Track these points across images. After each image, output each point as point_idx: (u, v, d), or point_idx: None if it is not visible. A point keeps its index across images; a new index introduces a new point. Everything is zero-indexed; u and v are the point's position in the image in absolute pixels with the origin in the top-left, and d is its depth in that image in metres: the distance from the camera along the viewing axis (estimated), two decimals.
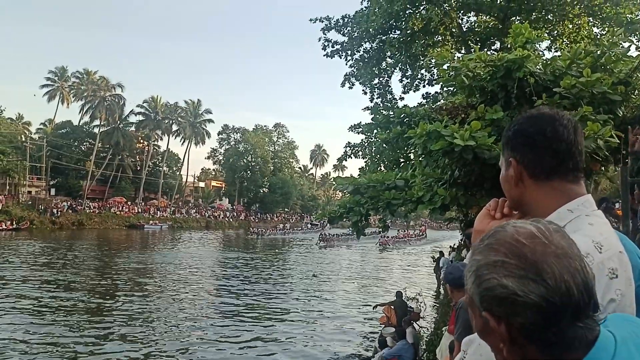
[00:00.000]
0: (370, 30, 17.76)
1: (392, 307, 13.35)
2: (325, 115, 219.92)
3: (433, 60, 15.50)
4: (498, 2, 16.68)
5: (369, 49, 19.03)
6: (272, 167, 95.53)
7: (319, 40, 19.52)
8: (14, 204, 56.98)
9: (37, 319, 15.45)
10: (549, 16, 17.08)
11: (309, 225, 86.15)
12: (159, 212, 76.71)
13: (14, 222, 52.89)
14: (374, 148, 15.07)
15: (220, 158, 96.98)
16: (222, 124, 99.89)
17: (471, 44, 15.92)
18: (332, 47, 19.44)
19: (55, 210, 59.82)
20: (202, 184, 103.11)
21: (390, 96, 19.71)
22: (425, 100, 19.00)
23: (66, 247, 38.59)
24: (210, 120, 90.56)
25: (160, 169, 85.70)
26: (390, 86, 19.86)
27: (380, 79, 19.70)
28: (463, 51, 17.86)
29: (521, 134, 1.38)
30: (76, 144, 77.82)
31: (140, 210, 74.49)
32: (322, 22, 19.26)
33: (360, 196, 7.58)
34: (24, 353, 12.18)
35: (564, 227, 1.25)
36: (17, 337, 13.34)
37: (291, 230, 77.50)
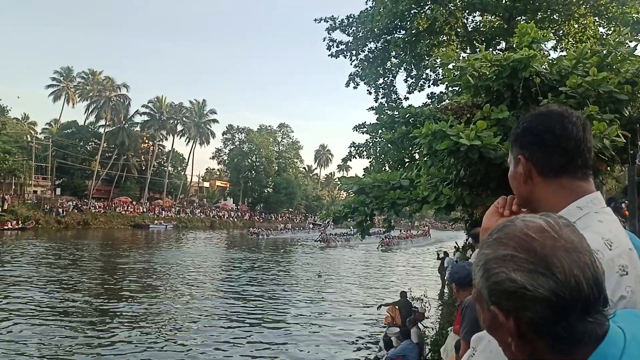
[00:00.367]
0: (375, 30, 17.75)
1: (397, 307, 13.35)
2: (329, 115, 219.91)
3: (438, 60, 15.45)
4: (503, 1, 16.65)
5: (373, 48, 19.03)
6: (276, 167, 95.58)
7: (324, 40, 19.53)
8: (19, 204, 57.21)
9: (42, 318, 15.50)
10: (555, 16, 17.04)
11: (311, 225, 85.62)
12: (163, 211, 76.87)
13: (20, 222, 53.08)
14: (378, 148, 15.08)
15: (225, 158, 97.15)
16: (227, 124, 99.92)
17: (476, 44, 15.91)
18: (337, 47, 19.44)
19: (60, 210, 60.03)
20: (206, 184, 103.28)
21: (395, 96, 19.70)
22: (430, 100, 18.97)
23: (72, 246, 38.72)
24: (214, 121, 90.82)
25: (165, 168, 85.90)
26: (395, 86, 19.87)
27: (385, 78, 19.70)
28: (468, 51, 17.83)
29: (530, 131, 1.37)
30: (82, 143, 78.10)
31: (145, 210, 74.68)
32: (327, 22, 19.26)
33: (365, 196, 7.59)
34: (30, 352, 12.23)
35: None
36: (23, 337, 13.40)
37: (292, 230, 76.66)
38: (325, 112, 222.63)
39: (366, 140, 17.62)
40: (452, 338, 5.07)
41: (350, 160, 18.61)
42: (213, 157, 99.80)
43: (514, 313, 0.88)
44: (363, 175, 10.53)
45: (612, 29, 16.49)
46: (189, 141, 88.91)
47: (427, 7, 17.35)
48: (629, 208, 4.79)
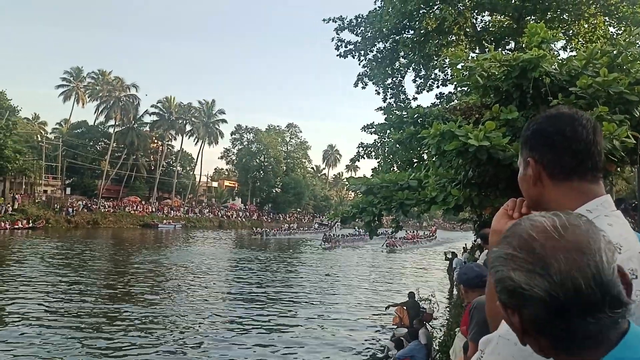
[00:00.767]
0: (384, 30, 17.73)
1: (405, 307, 13.34)
2: (338, 116, 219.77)
3: (447, 60, 15.43)
4: (513, 1, 16.58)
5: (382, 49, 19.01)
6: (284, 167, 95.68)
7: (332, 40, 19.53)
8: (30, 203, 57.64)
9: (51, 317, 15.60)
10: (565, 16, 16.95)
11: (316, 226, 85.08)
12: (172, 211, 77.15)
13: (30, 221, 53.49)
14: (387, 148, 15.06)
15: (233, 158, 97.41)
16: (235, 124, 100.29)
17: (485, 44, 15.84)
18: (346, 47, 19.44)
19: (70, 209, 60.42)
20: (215, 184, 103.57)
21: (404, 96, 19.67)
22: (438, 101, 18.93)
23: (81, 246, 38.95)
24: (223, 121, 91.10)
25: (174, 168, 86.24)
26: (403, 86, 19.84)
27: (394, 79, 19.67)
28: (477, 51, 17.77)
29: (540, 133, 1.37)
30: (91, 143, 78.59)
31: (154, 209, 74.99)
32: (336, 22, 19.26)
33: (373, 196, 7.58)
34: (39, 350, 12.31)
35: None
36: (32, 335, 13.49)
37: (298, 231, 75.77)
38: (334, 113, 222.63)
39: (374, 140, 17.62)
40: (460, 339, 5.06)
41: (359, 161, 18.62)
42: (221, 157, 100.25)
43: (518, 310, 0.91)
44: (371, 175, 10.52)
45: (622, 28, 16.36)
46: (197, 141, 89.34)
47: (436, 7, 17.32)
48: (637, 208, 4.77)
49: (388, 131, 11.54)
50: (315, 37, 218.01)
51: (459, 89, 14.70)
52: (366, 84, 19.74)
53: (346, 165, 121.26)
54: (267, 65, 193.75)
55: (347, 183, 10.90)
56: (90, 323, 15.09)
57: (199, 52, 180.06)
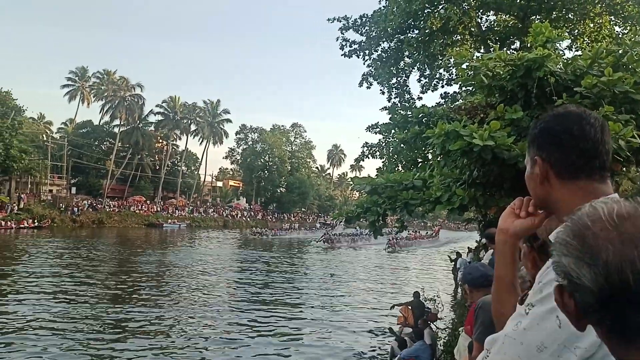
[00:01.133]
0: (389, 29, 17.72)
1: (410, 307, 13.32)
2: (343, 116, 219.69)
3: (452, 60, 15.40)
4: (518, 1, 16.55)
5: (387, 48, 19.00)
6: (289, 167, 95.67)
7: (337, 39, 19.53)
8: (35, 203, 57.83)
9: (58, 317, 15.66)
10: (570, 15, 16.90)
11: (318, 225, 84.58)
12: (177, 211, 77.26)
13: (36, 220, 53.68)
14: (391, 148, 15.03)
15: (238, 158, 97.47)
16: (240, 124, 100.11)
17: (490, 43, 15.83)
18: (350, 46, 19.43)
19: (75, 209, 60.59)
20: (219, 184, 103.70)
21: (408, 96, 19.66)
22: (443, 100, 18.90)
23: (87, 245, 39.07)
24: (228, 120, 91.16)
25: (179, 168, 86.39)
26: (408, 86, 19.83)
27: (398, 78, 19.66)
28: (482, 50, 17.75)
29: (547, 132, 1.37)
30: (96, 143, 78.83)
31: (159, 209, 75.12)
32: (340, 21, 19.27)
33: (378, 196, 7.58)
34: (44, 350, 12.37)
35: None
36: (37, 335, 13.55)
37: (299, 231, 75.04)
38: (339, 112, 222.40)
39: (379, 140, 17.60)
40: (464, 338, 5.05)
41: (363, 161, 18.64)
42: (226, 157, 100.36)
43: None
44: (376, 175, 10.53)
45: (628, 28, 16.33)
46: (202, 141, 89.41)
47: (440, 7, 17.30)
48: None
49: (393, 131, 11.53)
50: (320, 37, 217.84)
51: (463, 88, 14.67)
52: (371, 84, 19.74)
53: (351, 165, 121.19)
54: (272, 65, 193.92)
55: (351, 183, 10.90)
56: (96, 322, 15.14)
57: (204, 52, 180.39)
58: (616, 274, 0.83)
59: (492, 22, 19.22)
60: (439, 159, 6.66)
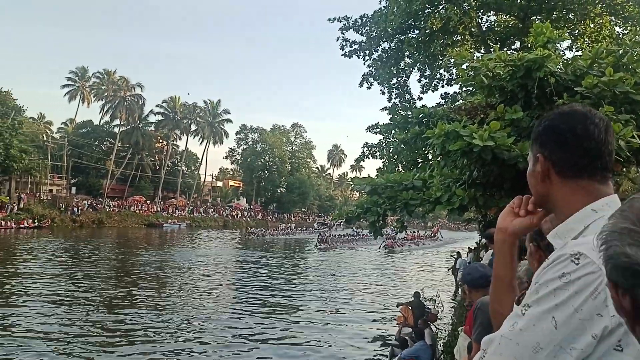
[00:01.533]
0: (389, 29, 17.72)
1: (410, 307, 13.31)
2: (343, 116, 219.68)
3: (452, 60, 15.37)
4: (518, 1, 16.55)
5: (387, 48, 19.00)
6: (289, 167, 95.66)
7: (337, 40, 19.53)
8: (35, 202, 57.82)
9: (56, 316, 15.65)
10: (570, 15, 16.90)
11: (315, 225, 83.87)
12: (177, 211, 77.27)
13: (36, 220, 53.68)
14: (391, 148, 15.02)
15: (238, 158, 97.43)
16: (240, 124, 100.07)
17: (491, 44, 15.83)
18: (350, 47, 19.42)
19: (75, 209, 60.59)
20: (220, 184, 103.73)
21: (409, 96, 19.65)
22: (443, 101, 18.90)
23: (87, 245, 39.08)
24: (228, 120, 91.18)
25: (179, 168, 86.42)
26: (408, 86, 19.81)
27: (399, 78, 19.65)
28: (482, 51, 17.74)
29: (551, 130, 1.36)
30: (96, 143, 78.85)
31: (159, 209, 75.12)
32: (340, 21, 19.26)
33: (378, 196, 7.57)
34: (44, 349, 12.36)
35: (588, 228, 1.24)
36: (38, 334, 13.55)
37: (295, 231, 73.81)
38: (339, 112, 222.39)
39: (379, 140, 17.58)
40: (464, 338, 5.05)
41: (364, 161, 18.59)
42: (226, 157, 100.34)
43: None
44: (376, 175, 10.52)
45: (628, 28, 16.34)
46: (202, 141, 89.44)
47: (441, 7, 17.29)
48: None
49: (393, 131, 11.53)
50: (321, 37, 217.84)
51: (464, 89, 14.66)
52: (371, 84, 19.73)
53: (351, 165, 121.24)
54: (272, 65, 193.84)
55: (351, 183, 10.91)
56: (96, 323, 15.13)
57: (204, 52, 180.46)
58: None
59: (493, 23, 19.22)
60: (439, 159, 6.66)
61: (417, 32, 18.08)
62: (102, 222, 61.70)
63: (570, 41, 16.65)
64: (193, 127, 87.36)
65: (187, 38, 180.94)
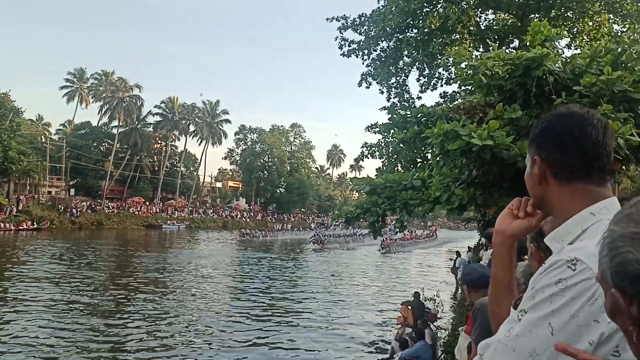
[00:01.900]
0: (387, 29, 17.69)
1: (410, 307, 13.31)
2: (341, 116, 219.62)
3: (451, 59, 15.39)
4: None
5: (385, 48, 18.96)
6: (288, 167, 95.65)
7: (336, 39, 19.49)
8: (34, 204, 57.83)
9: (56, 318, 15.65)
10: (569, 13, 16.88)
11: (312, 226, 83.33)
12: (176, 212, 77.28)
13: (35, 222, 53.66)
14: (390, 148, 15.00)
15: (237, 158, 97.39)
16: (239, 124, 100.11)
17: (489, 42, 15.83)
18: (349, 46, 19.38)
19: (74, 210, 60.59)
20: (219, 184, 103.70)
21: (408, 95, 19.62)
22: (442, 100, 18.88)
23: (86, 246, 39.07)
24: (227, 121, 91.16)
25: (178, 169, 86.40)
26: (407, 85, 19.78)
27: (397, 78, 19.61)
28: (481, 49, 17.73)
29: (549, 132, 1.35)
30: (95, 144, 78.86)
31: (158, 210, 75.13)
32: (339, 21, 19.22)
33: (377, 196, 7.56)
34: (44, 351, 12.35)
35: (586, 231, 1.22)
36: (37, 335, 13.55)
37: (291, 232, 73.15)
38: (338, 113, 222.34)
39: (378, 140, 17.56)
40: (464, 338, 5.04)
41: (363, 161, 18.57)
42: (225, 158, 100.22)
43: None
44: (375, 175, 10.52)
45: (627, 26, 16.32)
46: (201, 141, 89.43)
47: (439, 6, 17.28)
48: None
49: (392, 131, 11.51)
50: (320, 37, 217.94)
51: (462, 88, 14.65)
52: (370, 84, 19.70)
53: (350, 165, 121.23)
54: (271, 65, 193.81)
55: (351, 183, 10.91)
56: (96, 324, 15.13)
57: (203, 52, 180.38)
58: None
59: (491, 21, 19.21)
60: (438, 158, 6.64)
61: (415, 31, 18.05)
62: (101, 224, 61.69)
63: (568, 39, 16.63)
64: (192, 128, 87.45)
65: (186, 38, 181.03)
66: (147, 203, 75.11)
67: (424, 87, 19.63)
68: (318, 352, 13.64)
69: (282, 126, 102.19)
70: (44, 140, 69.55)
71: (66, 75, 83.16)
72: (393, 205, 7.30)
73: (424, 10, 17.33)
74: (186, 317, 16.74)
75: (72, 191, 70.18)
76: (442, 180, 6.54)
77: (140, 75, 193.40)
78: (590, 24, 17.11)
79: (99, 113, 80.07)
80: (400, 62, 19.27)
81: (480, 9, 18.25)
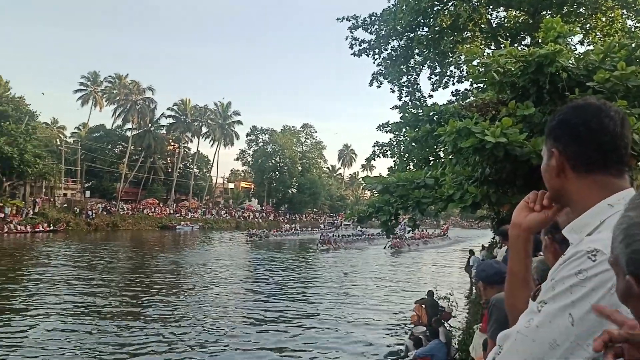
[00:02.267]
0: (398, 28, 17.67)
1: (424, 306, 13.28)
2: (353, 116, 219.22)
3: (462, 57, 15.35)
4: None
5: (396, 47, 18.94)
6: (300, 168, 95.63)
7: (346, 39, 19.50)
8: (50, 207, 58.34)
9: (73, 319, 15.80)
10: (581, 9, 16.75)
11: (321, 226, 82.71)
12: (190, 213, 77.59)
13: (51, 224, 54.18)
14: (402, 147, 14.98)
15: (249, 159, 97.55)
16: (250, 125, 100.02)
17: (501, 40, 15.73)
18: (360, 45, 19.38)
19: (90, 212, 61.06)
20: (231, 185, 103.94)
21: (419, 94, 19.58)
22: (454, 98, 18.82)
23: (101, 248, 39.36)
24: (239, 122, 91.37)
25: (191, 170, 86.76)
26: (418, 84, 19.75)
27: (409, 76, 19.58)
28: (493, 47, 17.65)
29: (565, 124, 1.35)
30: (109, 147, 79.40)
31: (172, 211, 75.47)
32: (349, 20, 19.23)
33: (390, 195, 7.56)
34: (58, 352, 12.47)
35: (604, 223, 1.23)
36: (53, 337, 13.68)
37: (300, 231, 71.85)
38: (350, 112, 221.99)
39: (390, 139, 17.55)
40: (479, 336, 5.04)
41: (374, 160, 18.53)
42: (237, 159, 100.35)
43: None
44: (387, 174, 10.50)
45: None
46: (213, 143, 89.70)
47: (450, 4, 17.23)
48: None
49: (404, 129, 11.50)
50: (332, 37, 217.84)
51: (474, 85, 14.60)
52: (381, 83, 19.69)
53: (362, 165, 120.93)
54: (282, 66, 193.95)
55: (363, 182, 10.89)
56: (112, 325, 15.25)
57: (215, 54, 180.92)
58: None
59: (503, 18, 19.11)
60: (450, 156, 6.63)
61: (426, 29, 18.01)
62: (116, 225, 62.10)
63: (581, 36, 16.50)
64: (204, 130, 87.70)
65: (198, 40, 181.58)
66: (161, 204, 75.49)
67: (435, 86, 19.59)
68: (331, 350, 13.64)
69: (293, 127, 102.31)
70: (59, 143, 70.19)
71: (80, 79, 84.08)
72: (406, 204, 7.30)
73: (435, 9, 17.29)
74: (200, 320, 16.82)
75: (87, 193, 70.70)
76: (455, 179, 6.53)
77: (153, 78, 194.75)
78: (603, 19, 16.96)
79: (112, 116, 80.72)
80: (412, 61, 19.24)
81: (491, 7, 18.16)
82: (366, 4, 26.86)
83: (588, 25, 16.96)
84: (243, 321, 16.60)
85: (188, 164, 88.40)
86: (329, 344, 14.23)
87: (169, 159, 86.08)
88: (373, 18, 18.94)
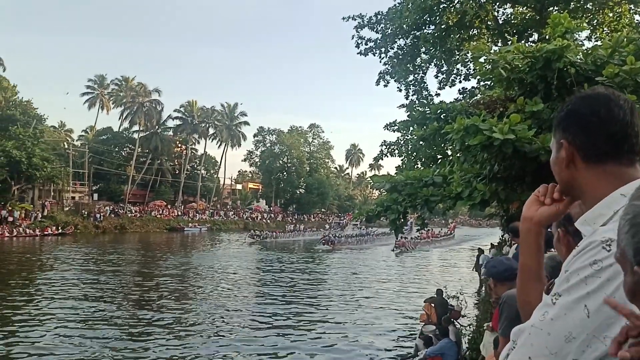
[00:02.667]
0: (404, 26, 17.63)
1: (433, 304, 13.23)
2: (360, 115, 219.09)
3: (469, 54, 15.29)
4: None
5: (403, 45, 18.89)
6: (308, 168, 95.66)
7: (352, 38, 19.47)
8: (58, 210, 58.64)
9: (82, 325, 15.84)
10: (588, 5, 16.65)
11: (326, 226, 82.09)
12: (198, 214, 77.78)
13: (59, 227, 54.45)
14: (410, 145, 14.95)
15: (257, 160, 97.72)
16: (257, 126, 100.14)
17: (508, 36, 15.66)
18: (366, 44, 19.35)
19: (98, 215, 61.32)
20: (239, 186, 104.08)
21: (426, 92, 19.51)
22: (461, 96, 18.74)
23: (110, 250, 39.53)
24: (246, 123, 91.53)
25: (198, 172, 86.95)
26: (425, 82, 19.68)
27: (416, 75, 19.52)
28: (500, 44, 17.56)
29: (574, 114, 1.33)
30: (117, 149, 79.70)
31: (179, 213, 75.68)
32: (355, 19, 19.19)
33: (398, 194, 7.54)
34: (67, 355, 12.53)
35: (617, 213, 1.21)
36: (61, 340, 13.74)
37: (304, 232, 71.39)
38: (357, 112, 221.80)
39: (397, 138, 17.53)
40: (489, 334, 5.01)
41: (382, 159, 18.52)
42: (245, 160, 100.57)
43: None
44: (395, 173, 10.48)
45: None
46: (220, 144, 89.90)
47: (456, 1, 17.17)
48: None
49: (411, 128, 11.48)
50: (336, 37, 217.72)
51: (482, 82, 14.56)
52: (388, 82, 19.65)
53: (369, 164, 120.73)
54: (288, 66, 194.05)
55: (371, 181, 10.86)
56: (121, 329, 15.31)
57: (220, 55, 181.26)
58: None
59: (509, 15, 19.01)
60: (458, 154, 6.61)
61: (432, 27, 17.95)
62: (124, 228, 62.33)
63: (589, 31, 16.38)
64: (211, 131, 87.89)
65: (202, 42, 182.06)
66: (169, 206, 75.75)
67: (442, 84, 19.52)
68: (340, 349, 13.63)
69: (300, 127, 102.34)
70: (66, 146, 70.56)
71: (87, 82, 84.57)
72: (414, 203, 7.28)
73: (441, 6, 17.24)
74: (208, 316, 16.87)
75: (95, 196, 71.02)
76: (464, 176, 6.51)
77: (159, 80, 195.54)
78: (611, 15, 16.85)
79: (119, 118, 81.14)
80: (418, 59, 19.18)
81: (498, 3, 18.07)
82: (372, 3, 26.81)
83: (595, 20, 16.86)
84: (251, 324, 16.56)
85: (195, 166, 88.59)
86: (337, 347, 14.20)
87: (176, 160, 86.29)
88: (379, 17, 18.90)
